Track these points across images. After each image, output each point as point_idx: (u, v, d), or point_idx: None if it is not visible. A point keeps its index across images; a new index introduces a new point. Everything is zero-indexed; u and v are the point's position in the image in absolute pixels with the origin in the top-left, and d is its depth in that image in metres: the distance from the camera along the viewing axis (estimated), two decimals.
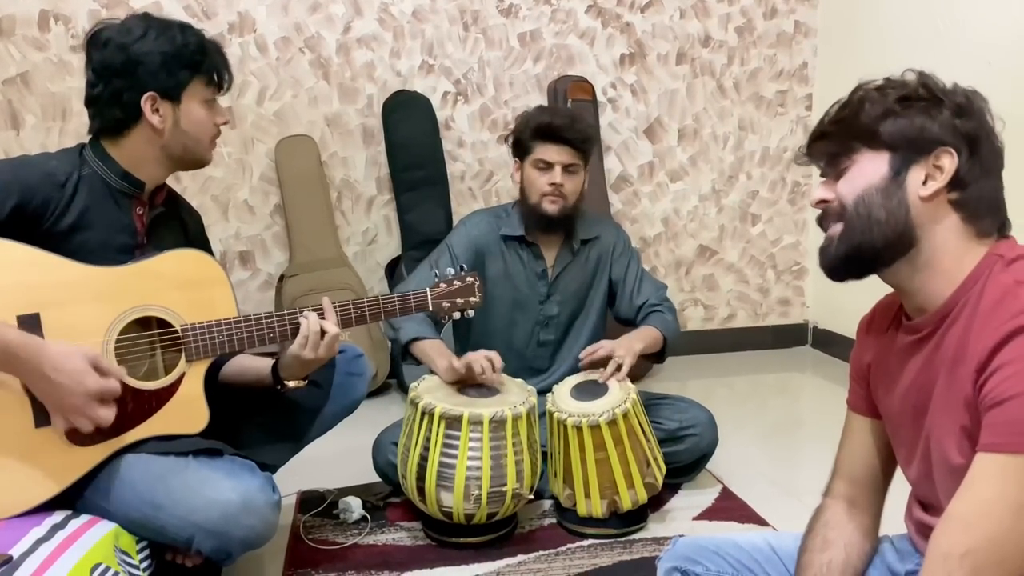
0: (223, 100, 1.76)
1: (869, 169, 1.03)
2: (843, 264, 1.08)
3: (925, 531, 1.11)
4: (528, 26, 3.37)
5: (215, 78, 1.64)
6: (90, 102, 1.61)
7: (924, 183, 1.01)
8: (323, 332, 1.68)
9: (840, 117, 1.06)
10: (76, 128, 3.03)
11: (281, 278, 3.19)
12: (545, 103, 3.38)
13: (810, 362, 3.70)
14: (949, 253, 1.03)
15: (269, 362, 1.78)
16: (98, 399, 1.39)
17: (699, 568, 1.29)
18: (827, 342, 3.73)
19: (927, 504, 1.13)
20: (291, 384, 1.75)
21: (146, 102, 1.56)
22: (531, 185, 2.28)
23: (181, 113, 1.60)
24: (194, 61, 1.59)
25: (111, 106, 1.58)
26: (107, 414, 1.41)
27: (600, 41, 3.45)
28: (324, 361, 1.72)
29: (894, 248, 1.04)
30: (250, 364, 1.81)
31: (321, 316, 1.69)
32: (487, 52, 3.35)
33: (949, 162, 1.00)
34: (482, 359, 2.07)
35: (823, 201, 1.09)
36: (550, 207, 2.26)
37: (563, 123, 2.21)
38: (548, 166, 2.24)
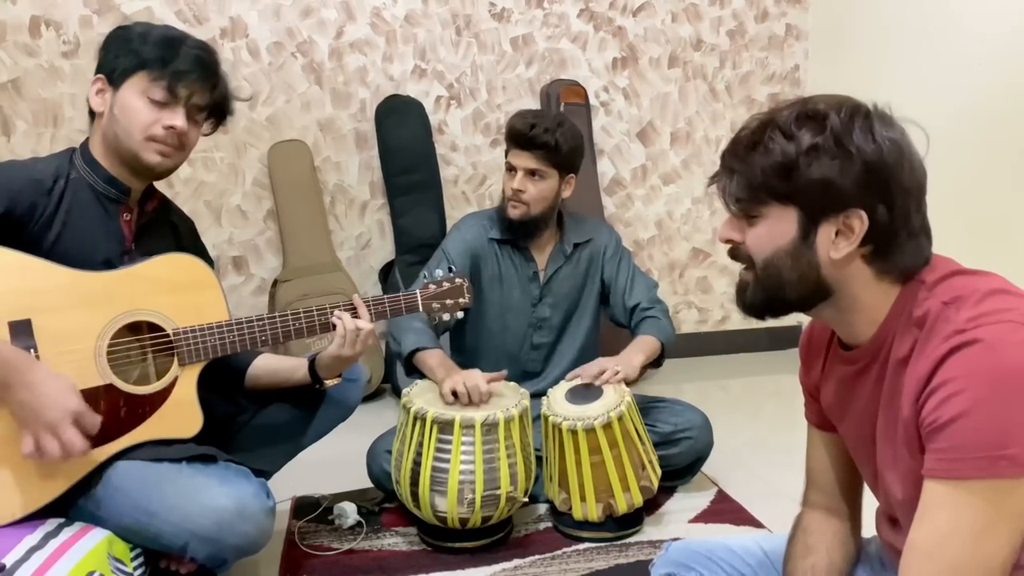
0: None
1: (777, 229, 0.99)
2: (760, 311, 1.06)
3: (896, 551, 1.11)
4: (520, 30, 3.37)
5: (166, 82, 1.53)
6: None
7: (835, 242, 0.97)
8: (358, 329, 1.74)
9: (746, 158, 0.99)
10: (67, 134, 3.02)
11: (275, 283, 3.18)
12: (538, 107, 3.38)
13: None
14: (869, 296, 1.01)
15: (299, 361, 1.83)
16: (75, 420, 1.38)
17: (692, 574, 1.29)
18: None
19: (896, 521, 1.12)
20: (329, 382, 1.82)
21: (94, 83, 1.58)
22: (504, 188, 2.30)
23: (116, 99, 1.56)
24: (139, 50, 1.54)
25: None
26: (77, 439, 1.39)
27: (592, 45, 3.46)
28: (359, 357, 1.78)
29: (810, 299, 1.03)
30: (279, 365, 1.85)
31: (354, 314, 1.74)
32: (480, 56, 3.35)
33: (859, 224, 0.96)
34: (462, 384, 2.00)
35: (731, 241, 1.05)
36: (512, 212, 2.26)
37: (524, 128, 2.19)
38: (513, 170, 2.25)
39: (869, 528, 1.25)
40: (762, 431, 2.85)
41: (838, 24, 3.50)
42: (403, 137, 3.22)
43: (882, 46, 3.23)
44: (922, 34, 3.01)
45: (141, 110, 1.54)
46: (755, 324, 3.85)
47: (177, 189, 3.09)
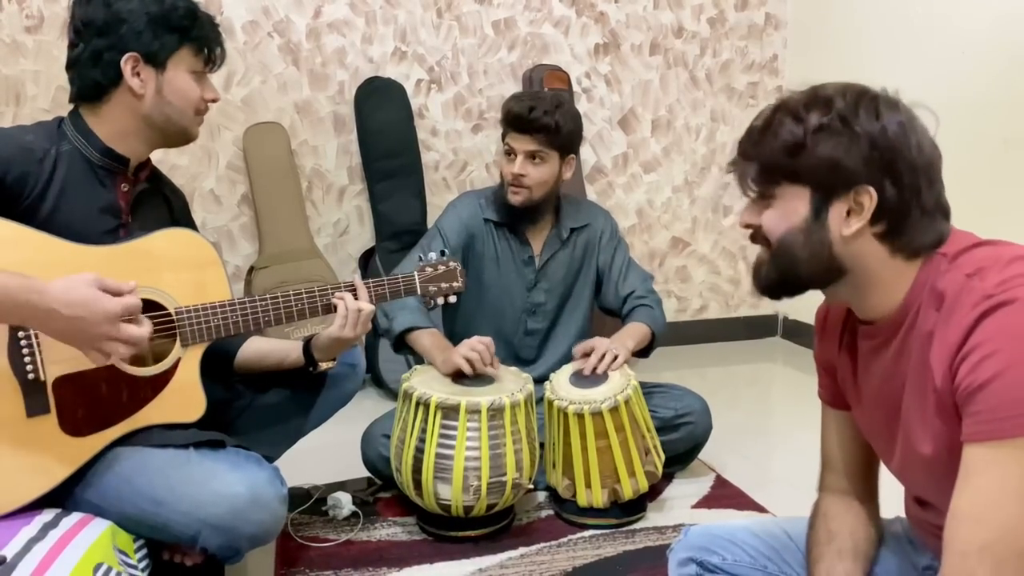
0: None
1: (790, 208, 1.02)
2: (774, 289, 1.09)
3: (929, 528, 1.10)
4: (502, 14, 3.32)
5: (205, 50, 1.56)
6: (70, 64, 1.51)
7: (846, 220, 1.00)
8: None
9: (759, 142, 1.03)
10: (31, 113, 2.88)
11: (250, 270, 3.07)
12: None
13: (781, 352, 3.72)
14: (886, 273, 1.02)
15: (291, 344, 1.75)
16: (124, 319, 1.28)
17: (715, 558, 1.26)
18: (797, 332, 3.75)
19: (923, 501, 1.12)
20: (324, 366, 1.74)
21: (127, 63, 1.47)
22: (502, 172, 2.24)
23: (165, 80, 1.50)
24: (182, 27, 1.51)
25: (90, 67, 1.48)
26: (141, 331, 1.29)
27: (575, 30, 3.42)
28: (358, 339, 1.71)
29: (823, 278, 1.05)
30: (270, 348, 1.76)
31: (355, 295, 1.68)
32: (461, 39, 3.29)
33: (868, 200, 0.98)
34: (471, 351, 2.00)
35: (749, 225, 1.08)
36: (513, 198, 2.21)
37: (523, 110, 2.14)
38: (513, 153, 2.19)
39: (891, 510, 1.24)
40: (740, 418, 2.84)
41: (817, 13, 3.52)
42: (384, 121, 3.14)
43: (862, 36, 3.25)
44: (903, 23, 3.03)
45: (193, 88, 1.54)
46: (732, 313, 3.84)
47: None
